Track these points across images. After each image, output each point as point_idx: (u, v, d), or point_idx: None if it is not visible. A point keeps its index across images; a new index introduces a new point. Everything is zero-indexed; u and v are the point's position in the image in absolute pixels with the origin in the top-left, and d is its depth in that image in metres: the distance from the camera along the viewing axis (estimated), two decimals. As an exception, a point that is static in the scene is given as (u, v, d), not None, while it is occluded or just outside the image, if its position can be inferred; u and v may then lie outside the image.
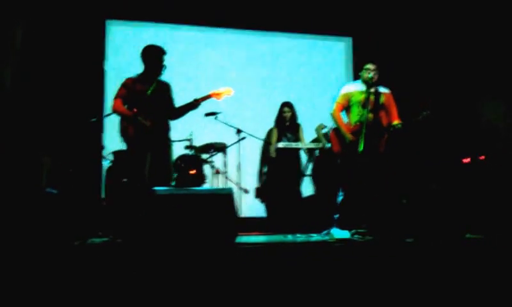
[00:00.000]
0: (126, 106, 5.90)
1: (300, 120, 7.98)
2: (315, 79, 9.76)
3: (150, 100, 5.81)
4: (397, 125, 6.32)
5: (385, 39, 9.39)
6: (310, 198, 8.08)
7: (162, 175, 5.82)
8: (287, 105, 7.92)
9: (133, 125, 5.80)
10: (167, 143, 6.08)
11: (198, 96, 6.02)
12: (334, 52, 10.02)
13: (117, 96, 5.92)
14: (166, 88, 6.09)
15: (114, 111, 5.94)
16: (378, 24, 9.55)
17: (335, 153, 6.48)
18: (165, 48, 6.02)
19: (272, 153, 7.78)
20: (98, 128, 8.29)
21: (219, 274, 4.34)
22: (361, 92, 6.36)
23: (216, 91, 6.09)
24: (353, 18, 9.68)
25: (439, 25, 9.07)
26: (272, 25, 9.65)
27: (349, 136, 6.25)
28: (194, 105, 5.99)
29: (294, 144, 7.66)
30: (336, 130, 6.42)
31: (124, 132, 5.88)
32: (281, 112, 7.90)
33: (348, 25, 9.80)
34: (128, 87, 5.92)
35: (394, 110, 6.49)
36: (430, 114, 6.24)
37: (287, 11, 9.44)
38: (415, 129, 6.65)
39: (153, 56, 5.96)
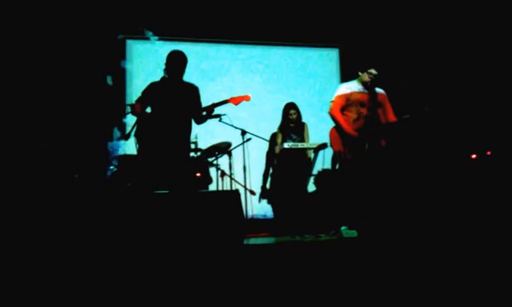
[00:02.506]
0: (147, 108, 5.92)
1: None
2: (311, 83, 10.05)
3: (170, 103, 5.81)
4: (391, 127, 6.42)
5: (372, 48, 9.57)
6: (315, 195, 8.05)
7: (175, 177, 5.78)
8: (292, 107, 7.87)
9: (146, 126, 5.80)
10: (184, 146, 6.05)
11: (216, 100, 6.04)
12: (326, 59, 10.49)
13: (137, 100, 5.94)
14: (191, 91, 6.05)
15: (133, 113, 5.96)
16: (364, 35, 9.82)
17: (336, 152, 6.45)
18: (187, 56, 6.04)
19: (277, 151, 7.78)
20: (104, 135, 8.35)
21: (227, 275, 4.34)
22: (359, 92, 6.42)
23: (235, 97, 6.17)
24: (341, 30, 10.07)
25: (425, 30, 9.18)
26: (267, 38, 10.25)
27: (353, 133, 6.24)
28: (210, 109, 5.98)
29: (299, 145, 7.62)
30: (337, 129, 6.39)
31: (137, 134, 5.86)
32: (287, 114, 7.87)
33: (336, 36, 10.26)
34: (150, 91, 5.95)
35: (389, 108, 6.57)
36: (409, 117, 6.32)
37: (281, 25, 9.88)
38: (419, 125, 6.67)
39: (175, 61, 5.96)
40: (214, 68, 9.98)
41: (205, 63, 9.88)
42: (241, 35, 10.10)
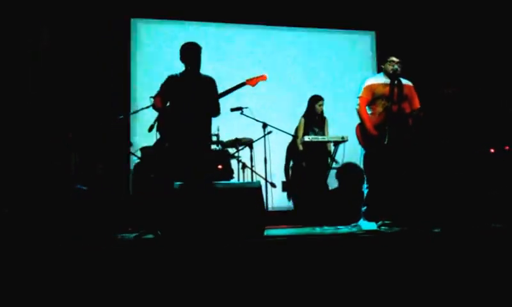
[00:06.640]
0: (168, 103, 5.96)
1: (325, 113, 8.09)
2: (340, 72, 9.81)
3: (189, 97, 5.83)
4: (416, 111, 6.38)
5: (409, 32, 9.40)
6: (336, 191, 8.10)
7: (195, 170, 5.82)
8: (321, 98, 8.00)
9: (168, 120, 5.85)
10: (205, 140, 6.09)
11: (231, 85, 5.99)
12: (359, 45, 10.09)
13: (157, 94, 5.96)
14: (208, 84, 6.02)
15: (154, 108, 6.00)
16: (402, 17, 9.56)
17: (362, 146, 6.45)
18: (200, 44, 6.00)
19: (299, 146, 7.85)
20: (126, 125, 8.42)
21: (248, 266, 4.38)
22: (385, 85, 6.33)
23: (251, 78, 6.07)
24: (377, 12, 9.71)
25: (463, 17, 9.03)
26: (296, 21, 9.74)
27: (373, 133, 6.23)
28: (226, 94, 5.97)
29: (320, 138, 7.69)
30: (362, 125, 6.39)
31: (160, 127, 5.90)
32: (314, 105, 7.96)
33: (372, 19, 9.85)
34: (169, 85, 5.96)
35: (416, 101, 6.48)
36: (456, 92, 6.21)
37: (313, 6, 9.51)
38: (440, 114, 6.66)
39: (190, 53, 5.96)
40: (235, 51, 9.65)
41: (225, 46, 9.57)
42: (261, 16, 9.63)
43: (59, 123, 7.78)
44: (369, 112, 6.39)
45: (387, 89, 6.29)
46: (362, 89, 6.42)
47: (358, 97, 6.42)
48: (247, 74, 5.99)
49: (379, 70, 6.53)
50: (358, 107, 6.40)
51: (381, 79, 6.44)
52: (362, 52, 10.14)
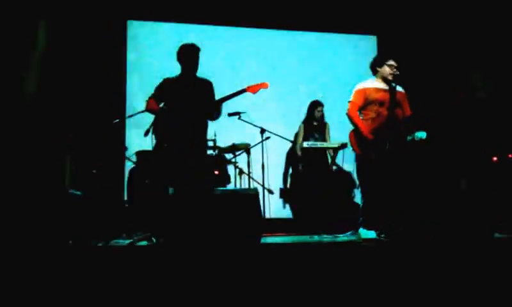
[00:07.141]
0: (162, 105, 5.86)
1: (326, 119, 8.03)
2: (339, 77, 9.69)
3: (185, 100, 5.74)
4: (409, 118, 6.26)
5: (410, 37, 9.33)
6: (334, 198, 8.01)
7: (191, 176, 5.73)
8: (320, 104, 7.97)
9: (163, 123, 5.75)
10: (201, 144, 5.99)
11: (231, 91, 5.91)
12: (359, 49, 9.97)
13: (151, 96, 5.88)
14: (205, 88, 5.94)
15: (147, 110, 5.91)
16: (403, 22, 9.51)
17: (357, 154, 6.28)
18: (198, 45, 5.93)
19: (298, 152, 7.79)
20: (121, 129, 8.34)
21: (244, 275, 4.31)
22: (378, 89, 6.12)
23: (252, 85, 5.97)
24: (378, 16, 9.66)
25: (466, 22, 8.97)
26: (297, 24, 9.66)
27: (369, 136, 6.04)
28: (225, 100, 5.89)
29: (319, 144, 7.60)
30: (356, 131, 6.18)
31: (155, 131, 5.81)
32: (313, 111, 7.92)
33: (373, 23, 9.79)
34: (164, 87, 5.89)
35: (407, 108, 6.27)
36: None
37: (313, 9, 9.44)
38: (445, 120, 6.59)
39: (187, 55, 5.88)
40: (235, 55, 9.44)
41: (226, 49, 9.38)
42: (262, 19, 9.44)
43: (59, 123, 7.72)
44: (360, 117, 6.19)
45: (380, 94, 6.09)
46: (353, 94, 6.17)
47: (349, 102, 6.16)
48: (246, 77, 5.94)
49: (373, 73, 6.32)
50: (347, 112, 6.13)
51: (374, 83, 6.20)
52: (365, 55, 10.03)
